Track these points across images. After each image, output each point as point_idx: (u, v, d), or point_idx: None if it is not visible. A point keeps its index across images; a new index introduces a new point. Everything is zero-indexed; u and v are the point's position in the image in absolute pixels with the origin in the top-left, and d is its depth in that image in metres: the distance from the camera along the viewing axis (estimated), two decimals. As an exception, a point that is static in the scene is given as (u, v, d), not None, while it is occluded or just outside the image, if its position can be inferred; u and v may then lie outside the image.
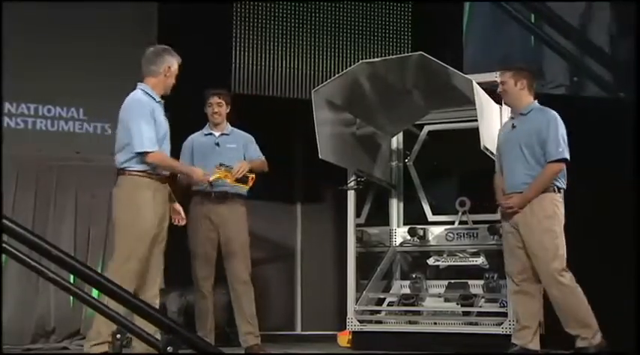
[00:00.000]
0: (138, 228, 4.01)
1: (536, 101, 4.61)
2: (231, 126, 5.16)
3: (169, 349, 2.22)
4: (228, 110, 5.11)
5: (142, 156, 4.00)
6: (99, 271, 5.51)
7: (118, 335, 2.38)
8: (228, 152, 4.96)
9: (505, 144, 4.61)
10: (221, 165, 4.60)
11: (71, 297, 5.18)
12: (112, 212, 4.16)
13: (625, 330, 4.42)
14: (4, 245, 2.21)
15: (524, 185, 4.45)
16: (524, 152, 4.47)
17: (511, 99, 4.61)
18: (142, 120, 4.01)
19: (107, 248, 5.82)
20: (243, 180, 4.64)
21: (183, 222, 4.40)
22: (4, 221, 2.10)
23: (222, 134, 5.07)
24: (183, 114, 5.54)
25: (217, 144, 5.02)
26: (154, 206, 4.05)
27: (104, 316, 2.47)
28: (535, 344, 4.47)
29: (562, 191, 4.47)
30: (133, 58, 6.21)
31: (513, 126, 4.59)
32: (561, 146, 4.40)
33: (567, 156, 4.42)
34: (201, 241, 4.93)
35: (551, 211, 4.39)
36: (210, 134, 5.09)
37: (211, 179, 4.51)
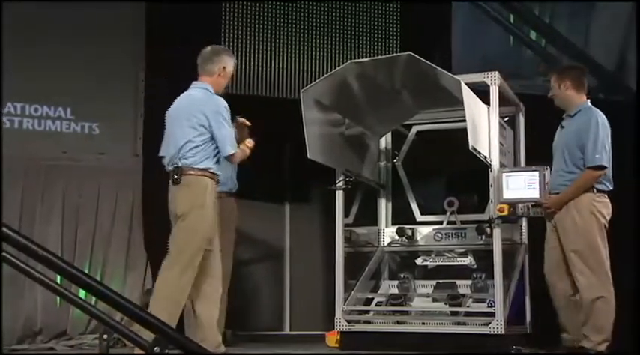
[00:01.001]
0: (203, 233, 4.07)
1: (587, 101, 4.60)
2: None
3: (157, 349, 2.21)
4: None
5: (226, 157, 4.14)
6: (86, 271, 5.51)
7: (105, 336, 2.36)
8: None
9: (555, 145, 4.67)
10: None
11: (58, 298, 5.15)
12: (176, 211, 4.12)
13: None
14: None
15: (561, 186, 4.52)
16: (564, 154, 4.52)
17: (559, 102, 4.65)
18: (227, 123, 4.15)
19: (94, 248, 5.80)
20: None
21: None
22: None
23: None
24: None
25: None
26: (215, 209, 4.15)
27: (91, 316, 2.45)
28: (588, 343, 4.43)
29: (605, 192, 4.46)
30: (121, 58, 6.24)
31: (562, 127, 4.65)
32: (598, 152, 4.39)
33: (604, 162, 4.41)
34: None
35: (587, 212, 4.40)
36: None
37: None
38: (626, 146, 4.75)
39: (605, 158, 4.42)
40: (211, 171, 4.15)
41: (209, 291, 4.17)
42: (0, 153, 4.85)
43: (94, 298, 2.56)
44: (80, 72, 5.91)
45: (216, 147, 4.16)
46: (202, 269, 4.11)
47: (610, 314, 4.34)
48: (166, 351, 2.28)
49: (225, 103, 4.21)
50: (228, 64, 4.33)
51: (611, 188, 4.50)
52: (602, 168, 4.42)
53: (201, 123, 4.12)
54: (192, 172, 4.10)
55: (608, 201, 4.47)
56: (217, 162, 4.20)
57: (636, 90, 6.49)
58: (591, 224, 4.40)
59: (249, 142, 4.38)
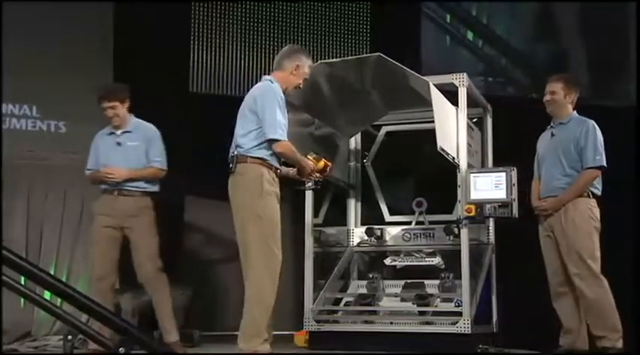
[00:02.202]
0: (270, 219, 3.93)
1: (574, 111, 4.74)
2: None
3: (121, 350, 2.20)
4: (126, 106, 4.97)
5: (270, 143, 3.96)
6: (52, 272, 5.44)
7: (69, 337, 2.34)
8: (130, 151, 4.90)
9: (544, 151, 4.75)
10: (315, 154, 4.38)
11: (22, 299, 5.07)
12: (233, 202, 4.00)
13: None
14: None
15: (559, 189, 4.59)
16: (561, 159, 4.62)
17: (556, 108, 4.73)
18: (278, 108, 3.98)
19: (60, 249, 5.73)
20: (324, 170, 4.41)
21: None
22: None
23: (124, 132, 4.96)
24: (141, 114, 5.48)
25: (119, 144, 4.93)
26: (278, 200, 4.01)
27: (56, 317, 2.42)
28: (583, 344, 4.54)
29: (597, 197, 4.56)
30: (88, 57, 6.17)
31: (552, 135, 4.74)
32: (599, 154, 4.54)
33: (604, 163, 4.56)
34: None
35: (586, 215, 4.50)
36: (112, 133, 4.98)
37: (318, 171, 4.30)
38: None
39: (604, 159, 4.57)
40: (267, 160, 3.98)
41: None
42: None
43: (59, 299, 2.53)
44: (46, 70, 5.83)
45: None
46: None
47: (615, 311, 4.43)
48: (131, 352, 2.27)
49: (281, 92, 4.06)
50: (304, 63, 4.20)
51: (600, 192, 4.61)
52: (602, 168, 4.56)
53: (253, 109, 4.01)
54: (245, 160, 3.97)
55: (597, 206, 4.58)
56: (272, 152, 4.00)
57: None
58: (590, 227, 4.51)
59: (313, 166, 4.24)
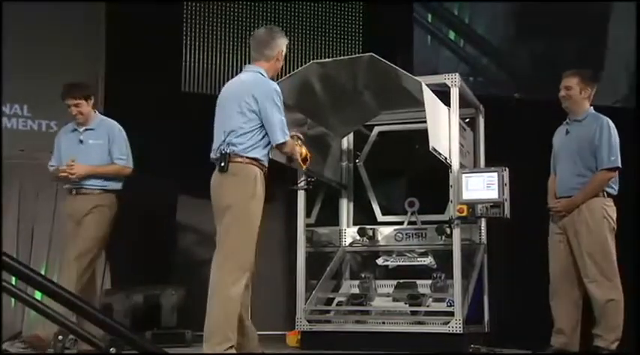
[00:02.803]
0: (255, 227, 3.87)
1: (592, 108, 4.66)
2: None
3: (112, 350, 2.19)
4: (91, 103, 4.90)
5: (277, 145, 3.91)
6: (43, 271, 5.42)
7: (60, 337, 2.32)
8: (93, 149, 4.83)
9: (559, 148, 4.69)
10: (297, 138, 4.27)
11: (12, 299, 5.05)
12: (221, 202, 3.87)
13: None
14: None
15: (573, 190, 4.53)
16: (575, 158, 4.55)
17: (572, 104, 4.64)
18: (281, 109, 3.90)
19: (51, 248, 5.70)
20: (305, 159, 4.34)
21: None
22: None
23: (86, 129, 4.89)
24: (133, 113, 5.47)
25: (81, 141, 4.87)
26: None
27: (47, 317, 2.41)
28: (573, 346, 4.52)
29: (612, 196, 4.51)
30: (81, 56, 6.15)
31: (567, 132, 4.67)
32: (613, 154, 4.47)
33: (619, 164, 4.49)
34: None
35: (600, 215, 4.45)
36: (75, 130, 4.92)
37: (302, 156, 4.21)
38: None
39: (619, 160, 4.50)
40: (261, 161, 3.90)
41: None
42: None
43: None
44: (38, 69, 5.81)
45: (266, 135, 3.90)
46: None
47: (621, 315, 4.41)
48: (122, 352, 2.26)
49: (279, 89, 3.95)
50: (283, 46, 4.07)
51: (617, 191, 4.56)
52: (617, 170, 4.50)
53: (251, 108, 3.85)
54: (240, 160, 3.83)
55: (614, 205, 4.53)
56: (267, 152, 3.95)
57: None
58: (603, 227, 4.46)
59: (301, 145, 4.18)
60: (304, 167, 4.36)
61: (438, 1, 7.29)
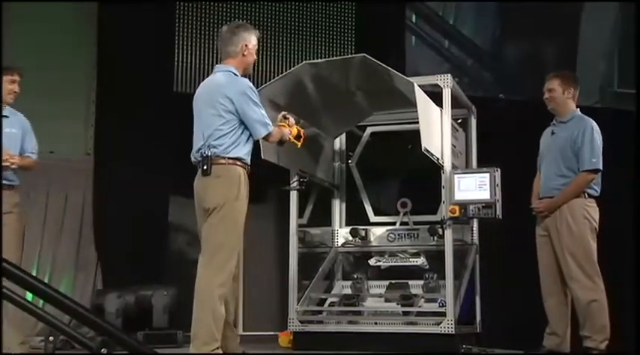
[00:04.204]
0: (240, 228, 3.87)
1: (577, 109, 4.69)
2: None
3: (103, 351, 2.18)
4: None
5: (262, 139, 3.92)
6: (34, 272, 5.40)
7: (51, 338, 2.32)
8: (6, 137, 4.34)
9: (544, 149, 4.72)
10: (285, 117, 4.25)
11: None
12: (206, 205, 3.85)
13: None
14: None
15: (555, 190, 4.56)
16: (558, 159, 4.58)
17: (556, 106, 4.68)
18: (257, 103, 3.89)
19: (42, 249, 5.68)
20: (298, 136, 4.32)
21: None
22: None
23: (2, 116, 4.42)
24: (125, 114, 5.46)
25: None
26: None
27: (37, 318, 2.40)
28: (565, 347, 4.54)
29: (594, 198, 4.53)
30: (73, 55, 6.13)
31: (553, 133, 4.70)
32: (595, 156, 4.49)
33: (600, 166, 4.51)
34: None
35: (581, 216, 4.48)
36: None
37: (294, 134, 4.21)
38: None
39: (600, 162, 4.52)
40: (243, 160, 3.90)
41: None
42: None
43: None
44: (29, 68, 5.78)
45: (247, 132, 3.91)
46: None
47: (605, 315, 4.42)
48: (114, 353, 2.25)
49: (251, 84, 3.94)
50: (250, 39, 4.02)
51: (599, 193, 4.59)
52: (598, 172, 4.53)
53: (228, 109, 3.84)
54: (222, 161, 3.83)
55: (596, 205, 4.56)
56: (249, 150, 3.94)
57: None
58: (584, 228, 4.49)
59: (292, 123, 4.16)
60: (299, 144, 4.35)
61: (433, 1, 7.29)
